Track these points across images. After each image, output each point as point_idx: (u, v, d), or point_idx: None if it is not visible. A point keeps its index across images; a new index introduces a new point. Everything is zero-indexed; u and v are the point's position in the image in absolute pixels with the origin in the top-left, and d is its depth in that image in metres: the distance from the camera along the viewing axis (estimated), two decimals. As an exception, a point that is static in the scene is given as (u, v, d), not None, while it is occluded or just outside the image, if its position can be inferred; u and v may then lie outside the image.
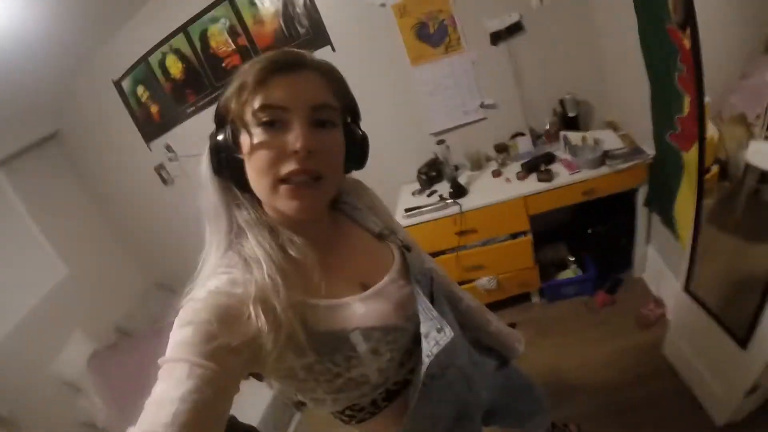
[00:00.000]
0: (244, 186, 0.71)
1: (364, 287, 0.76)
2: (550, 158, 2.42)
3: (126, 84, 2.80)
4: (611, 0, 2.16)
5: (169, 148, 2.84)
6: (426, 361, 0.73)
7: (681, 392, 1.92)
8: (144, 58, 2.68)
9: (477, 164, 2.67)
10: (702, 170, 1.63)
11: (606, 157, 2.23)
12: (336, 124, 0.70)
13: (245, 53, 2.42)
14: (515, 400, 1.28)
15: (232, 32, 2.39)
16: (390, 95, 2.53)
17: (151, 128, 2.87)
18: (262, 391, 2.28)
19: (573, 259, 2.70)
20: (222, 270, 0.66)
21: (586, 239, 2.60)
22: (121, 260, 3.30)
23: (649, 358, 2.14)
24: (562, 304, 2.64)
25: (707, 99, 1.50)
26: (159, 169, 2.96)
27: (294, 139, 0.64)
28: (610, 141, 2.32)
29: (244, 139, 0.66)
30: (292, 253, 0.70)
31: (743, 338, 1.49)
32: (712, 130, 1.61)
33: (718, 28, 1.40)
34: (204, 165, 0.72)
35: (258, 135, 0.65)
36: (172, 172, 2.88)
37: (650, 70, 1.92)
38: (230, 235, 0.71)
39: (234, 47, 2.41)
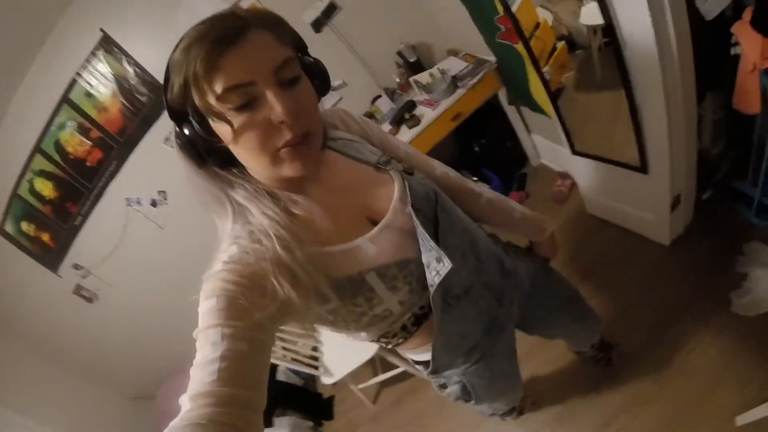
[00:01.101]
0: (227, 164, 0.70)
1: (372, 222, 0.76)
2: (411, 105, 2.55)
3: (9, 227, 2.59)
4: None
5: (77, 267, 2.70)
6: (430, 290, 0.75)
7: (622, 235, 2.18)
8: (14, 194, 2.50)
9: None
10: (530, 51, 1.82)
11: (456, 80, 2.42)
12: (300, 74, 0.66)
13: (103, 144, 2.32)
14: (558, 310, 1.27)
15: (82, 130, 2.30)
16: None
17: (51, 256, 2.67)
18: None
19: (476, 179, 2.89)
20: (230, 242, 0.67)
21: (477, 157, 2.80)
22: (88, 389, 3.10)
23: (580, 223, 2.39)
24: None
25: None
26: (77, 291, 2.80)
27: (276, 111, 0.61)
28: (456, 66, 2.49)
29: (222, 128, 0.63)
30: (296, 211, 0.70)
31: (642, 165, 1.71)
32: (544, 14, 1.78)
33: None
34: (183, 165, 0.70)
35: (236, 120, 0.61)
36: (92, 286, 2.75)
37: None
38: (235, 214, 0.70)
39: (90, 143, 2.33)
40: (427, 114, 2.44)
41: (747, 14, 1.31)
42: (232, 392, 0.53)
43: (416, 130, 2.42)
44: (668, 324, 1.79)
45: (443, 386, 1.02)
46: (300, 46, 0.71)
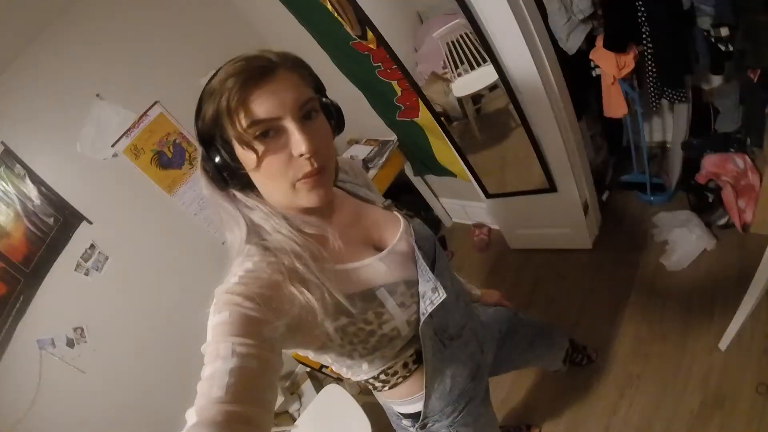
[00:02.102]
0: (246, 189, 0.74)
1: (378, 249, 0.82)
2: (330, 197, 2.68)
3: None
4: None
5: None
6: (422, 318, 0.79)
7: (549, 256, 2.45)
8: None
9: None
10: (438, 118, 2.13)
11: (367, 163, 2.65)
12: (318, 110, 0.73)
13: (6, 276, 1.84)
14: (529, 349, 1.41)
15: None
16: (164, 235, 2.35)
17: None
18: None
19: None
20: (244, 258, 0.69)
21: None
22: None
23: (508, 260, 2.63)
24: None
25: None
26: None
27: (298, 145, 0.66)
28: (362, 151, 2.74)
29: (248, 155, 0.67)
30: (309, 231, 0.74)
31: (550, 185, 2.03)
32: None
33: (383, 24, 1.85)
34: (204, 186, 0.75)
35: (260, 148, 0.66)
36: None
37: (357, 83, 2.40)
38: (250, 234, 0.73)
39: None
40: (346, 198, 2.57)
41: (599, 42, 1.79)
42: (240, 409, 0.53)
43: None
44: (622, 307, 2.02)
45: None
46: (320, 88, 0.78)
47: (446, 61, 1.94)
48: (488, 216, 2.74)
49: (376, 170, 2.59)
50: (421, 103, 2.15)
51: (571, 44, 1.79)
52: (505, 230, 2.59)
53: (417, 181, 2.87)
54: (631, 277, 2.10)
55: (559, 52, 1.82)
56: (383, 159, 2.61)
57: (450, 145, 2.22)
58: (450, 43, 1.84)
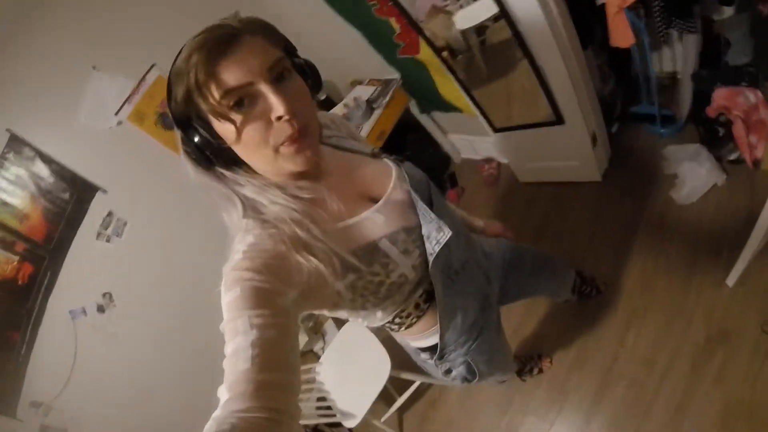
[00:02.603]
0: (232, 165, 0.73)
1: (374, 201, 0.82)
2: (336, 139, 2.66)
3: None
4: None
5: (35, 404, 2.23)
6: (430, 259, 0.81)
7: (558, 189, 2.43)
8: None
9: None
10: (440, 54, 2.05)
11: (371, 103, 2.59)
12: (291, 70, 0.71)
13: (31, 256, 2.01)
14: (533, 275, 1.43)
15: (6, 245, 1.98)
16: (178, 194, 2.38)
17: (3, 400, 2.19)
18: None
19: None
20: (244, 234, 0.69)
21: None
22: None
23: (518, 193, 2.63)
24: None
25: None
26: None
27: (274, 107, 0.65)
28: (365, 92, 2.68)
29: (226, 128, 0.66)
30: (304, 195, 0.73)
31: (557, 117, 1.98)
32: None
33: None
34: (191, 170, 0.73)
35: (238, 119, 0.65)
36: (57, 423, 2.28)
37: (354, 23, 2.31)
38: (246, 210, 0.72)
39: (17, 258, 2.01)
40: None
41: (604, -31, 1.65)
42: (269, 377, 0.55)
43: (350, 156, 2.51)
44: (630, 240, 2.04)
45: (448, 371, 1.08)
46: (289, 49, 0.76)
47: (446, -6, 1.83)
48: (496, 150, 2.70)
49: (380, 110, 2.55)
50: (421, 40, 2.06)
51: (575, -30, 1.66)
52: (514, 164, 2.57)
53: (424, 119, 2.82)
54: (640, 210, 2.09)
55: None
56: (387, 98, 2.55)
57: (454, 80, 2.15)
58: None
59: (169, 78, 0.67)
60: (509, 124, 2.26)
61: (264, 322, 0.58)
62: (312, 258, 0.67)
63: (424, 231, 0.82)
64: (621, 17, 1.76)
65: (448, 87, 2.33)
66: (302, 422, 2.07)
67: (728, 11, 1.74)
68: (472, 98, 2.21)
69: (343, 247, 0.72)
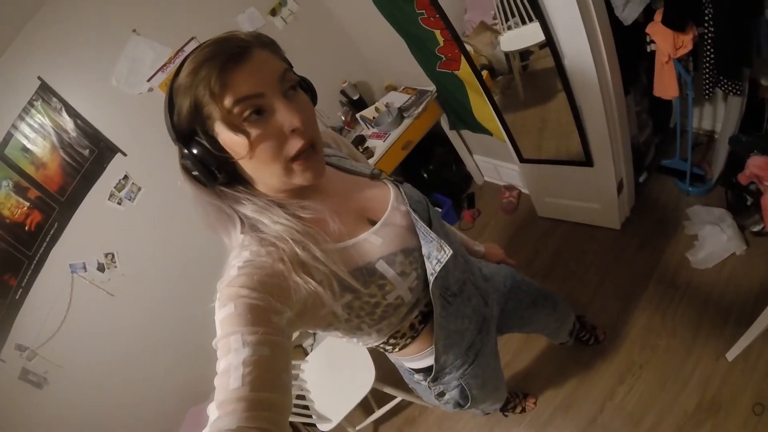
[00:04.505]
0: (232, 183, 0.72)
1: (372, 222, 0.82)
2: (361, 140, 2.66)
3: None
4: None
5: (21, 348, 2.26)
6: (430, 279, 0.81)
7: (575, 229, 2.39)
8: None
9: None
10: (479, 74, 2.03)
11: (402, 111, 2.58)
12: (297, 86, 0.71)
13: (42, 205, 2.05)
14: (532, 306, 1.40)
15: (19, 190, 2.02)
16: None
17: None
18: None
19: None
20: (241, 249, 0.69)
21: (426, 182, 2.95)
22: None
23: (533, 226, 2.59)
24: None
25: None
26: (24, 376, 2.32)
27: (287, 119, 0.65)
28: (399, 99, 2.67)
29: (236, 141, 0.65)
30: (305, 215, 0.73)
31: (587, 159, 1.93)
32: (467, 47, 2.01)
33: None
34: (189, 187, 0.71)
35: (251, 130, 0.65)
36: (39, 369, 2.31)
37: (398, 28, 2.29)
38: (244, 228, 0.72)
39: (28, 204, 2.04)
40: (378, 145, 2.55)
41: (657, 16, 1.62)
42: (259, 396, 0.54)
43: (371, 160, 2.50)
44: (637, 294, 1.99)
45: (441, 394, 1.06)
46: (290, 64, 0.75)
47: (497, 11, 1.81)
48: (520, 179, 2.66)
49: (411, 120, 2.54)
50: (462, 56, 2.04)
51: (628, 14, 1.63)
52: (535, 196, 2.52)
53: (452, 135, 2.79)
54: (654, 265, 2.03)
55: (614, 21, 1.66)
56: (419, 109, 2.53)
57: (488, 101, 2.12)
58: (503, -7, 1.70)
59: (169, 92, 0.66)
60: (537, 155, 2.22)
61: (257, 340, 0.58)
62: (311, 280, 0.66)
63: (424, 251, 0.82)
64: (669, 68, 1.71)
65: (483, 108, 2.30)
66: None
67: (777, 77, 1.69)
68: (504, 122, 2.17)
69: (342, 268, 0.71)
